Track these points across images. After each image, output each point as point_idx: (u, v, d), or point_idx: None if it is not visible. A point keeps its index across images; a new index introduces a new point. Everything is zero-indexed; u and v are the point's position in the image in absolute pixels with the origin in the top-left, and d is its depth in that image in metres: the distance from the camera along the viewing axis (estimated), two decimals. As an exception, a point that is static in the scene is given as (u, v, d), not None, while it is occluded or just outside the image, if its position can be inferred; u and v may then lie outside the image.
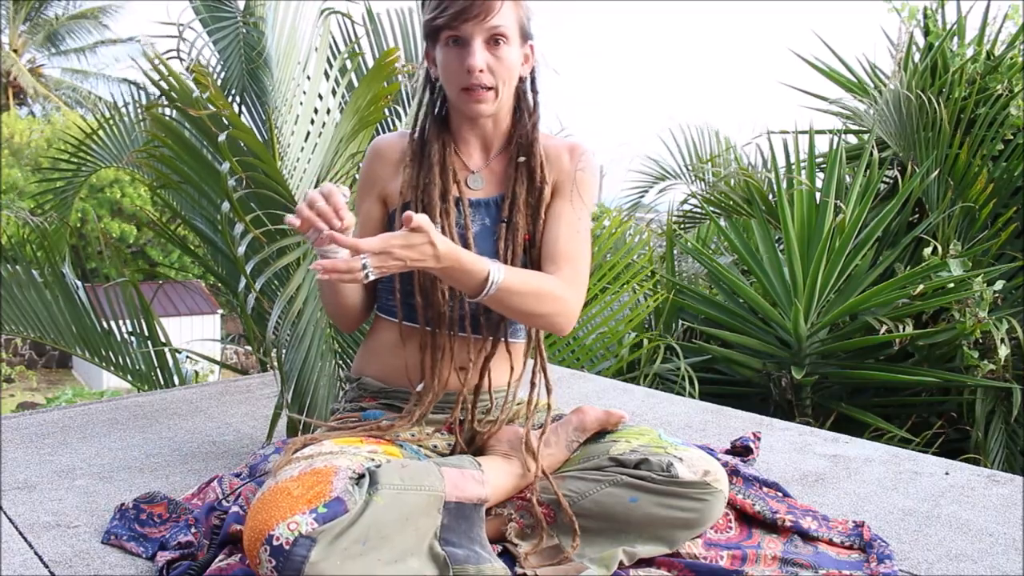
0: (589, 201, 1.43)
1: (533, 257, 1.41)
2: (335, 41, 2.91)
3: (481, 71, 1.31)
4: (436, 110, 1.44)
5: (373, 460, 1.20)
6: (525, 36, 1.39)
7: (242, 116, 2.51)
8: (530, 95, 1.44)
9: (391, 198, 1.44)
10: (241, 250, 1.72)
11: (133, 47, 18.54)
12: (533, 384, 1.42)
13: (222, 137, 1.78)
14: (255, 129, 2.48)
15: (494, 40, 1.32)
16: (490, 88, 1.33)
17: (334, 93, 2.47)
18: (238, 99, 2.53)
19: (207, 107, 1.86)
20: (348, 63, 2.79)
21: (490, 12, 1.30)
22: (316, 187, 2.10)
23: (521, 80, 1.41)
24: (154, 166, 2.22)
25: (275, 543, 1.05)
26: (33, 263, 2.58)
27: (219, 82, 2.45)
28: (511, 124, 1.44)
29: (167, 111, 2.19)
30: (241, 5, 2.51)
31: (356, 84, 2.81)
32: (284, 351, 1.83)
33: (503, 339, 1.41)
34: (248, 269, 1.73)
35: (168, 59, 2.08)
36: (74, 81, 18.82)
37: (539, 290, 1.30)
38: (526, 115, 1.43)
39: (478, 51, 1.31)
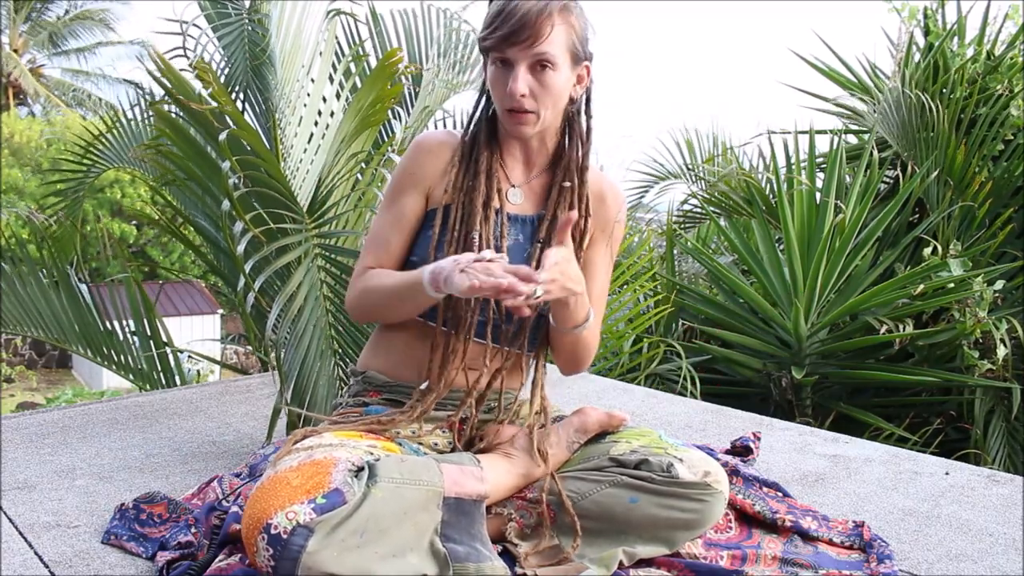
0: (617, 248, 1.51)
1: None
2: (339, 42, 2.90)
3: (523, 96, 1.30)
4: (488, 115, 1.43)
5: (372, 454, 1.21)
6: (577, 58, 1.35)
7: (246, 115, 2.51)
8: (583, 118, 1.42)
9: (434, 197, 1.42)
10: (241, 248, 1.72)
11: (134, 48, 18.58)
12: (534, 393, 1.43)
13: (223, 136, 1.78)
14: (258, 128, 2.48)
15: (540, 65, 1.30)
16: (532, 112, 1.32)
17: (338, 96, 2.47)
18: (242, 96, 2.53)
19: (209, 102, 1.86)
20: (352, 65, 2.79)
21: (537, 39, 1.28)
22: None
23: (572, 101, 1.39)
24: (159, 162, 2.22)
25: (273, 532, 1.05)
26: (39, 262, 2.58)
27: (223, 80, 2.45)
28: (557, 144, 1.43)
29: (172, 108, 2.19)
30: (247, 3, 2.51)
31: (360, 86, 2.81)
32: (283, 350, 1.83)
33: (520, 352, 1.42)
34: (248, 268, 1.72)
35: (173, 57, 2.08)
36: (74, 82, 18.83)
37: (595, 341, 1.44)
38: (577, 140, 1.42)
39: (521, 76, 1.29)
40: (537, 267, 1.35)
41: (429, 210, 1.42)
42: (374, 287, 1.38)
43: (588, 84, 1.40)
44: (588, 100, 1.42)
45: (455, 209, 1.37)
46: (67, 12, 18.91)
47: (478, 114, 1.43)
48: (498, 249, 1.38)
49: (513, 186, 1.43)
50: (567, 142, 1.42)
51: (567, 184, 1.40)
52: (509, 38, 1.28)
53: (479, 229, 1.35)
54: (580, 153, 1.42)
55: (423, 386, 1.38)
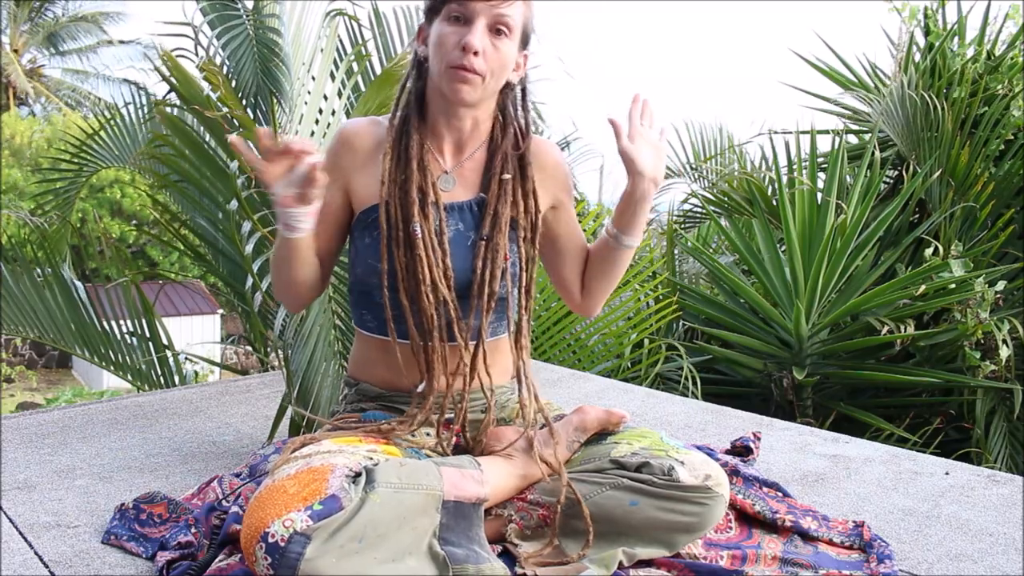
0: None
1: (522, 280, 1.39)
2: (340, 42, 2.90)
3: (476, 53, 1.26)
4: (417, 98, 1.38)
5: (371, 459, 1.20)
6: (525, 41, 1.35)
7: (248, 113, 2.50)
8: (520, 111, 1.40)
9: (358, 193, 1.38)
10: (249, 248, 1.73)
11: (134, 49, 18.57)
12: (520, 389, 1.39)
13: (233, 136, 1.78)
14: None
15: (497, 29, 1.28)
16: (480, 73, 1.28)
17: (340, 95, 2.47)
18: (244, 97, 2.52)
19: (219, 107, 1.86)
20: (355, 65, 2.78)
21: None
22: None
23: (509, 86, 1.37)
24: (155, 170, 2.23)
25: (271, 540, 1.04)
26: (33, 263, 2.57)
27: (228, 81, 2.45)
28: (491, 129, 1.40)
29: (174, 109, 2.18)
30: (249, 5, 2.50)
31: (362, 85, 2.81)
32: (290, 351, 1.83)
33: (492, 340, 1.41)
34: (255, 268, 1.73)
35: (178, 58, 2.08)
36: (74, 82, 18.83)
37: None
38: (517, 133, 1.39)
39: (479, 32, 1.27)
40: (484, 267, 1.34)
41: (363, 210, 1.37)
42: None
43: (523, 75, 1.39)
44: (524, 93, 1.41)
45: (392, 203, 1.32)
46: (65, 13, 18.90)
47: (405, 97, 1.38)
48: (440, 243, 1.33)
49: (445, 172, 1.38)
50: (500, 130, 1.39)
51: (507, 176, 1.37)
52: None
53: (417, 221, 1.31)
54: (523, 149, 1.38)
55: (419, 389, 1.36)
